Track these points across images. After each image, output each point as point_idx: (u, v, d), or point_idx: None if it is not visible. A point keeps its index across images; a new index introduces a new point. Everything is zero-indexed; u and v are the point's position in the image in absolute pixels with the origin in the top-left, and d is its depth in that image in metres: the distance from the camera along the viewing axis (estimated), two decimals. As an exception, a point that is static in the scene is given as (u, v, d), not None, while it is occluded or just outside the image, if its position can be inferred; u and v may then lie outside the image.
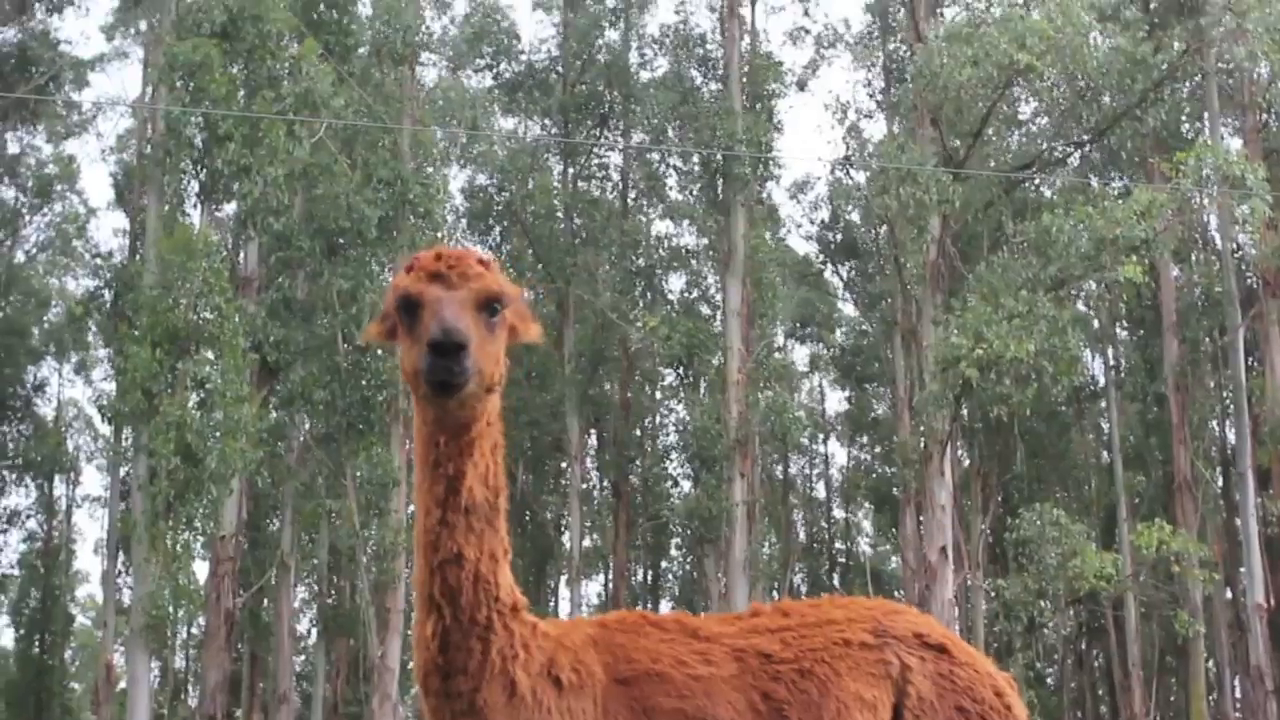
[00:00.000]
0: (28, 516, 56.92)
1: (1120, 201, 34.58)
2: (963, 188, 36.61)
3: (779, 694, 5.76)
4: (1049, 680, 54.33)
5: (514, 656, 5.45)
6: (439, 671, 5.40)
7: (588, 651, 5.69)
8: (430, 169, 39.55)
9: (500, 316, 5.28)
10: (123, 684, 42.53)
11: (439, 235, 38.02)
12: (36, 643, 55.87)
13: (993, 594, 41.76)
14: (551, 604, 54.43)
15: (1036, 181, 42.91)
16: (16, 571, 56.94)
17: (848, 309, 55.77)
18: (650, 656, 5.74)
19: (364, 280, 35.37)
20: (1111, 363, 50.73)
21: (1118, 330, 51.25)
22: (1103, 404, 50.32)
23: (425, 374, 5.02)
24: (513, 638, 5.46)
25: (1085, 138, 41.32)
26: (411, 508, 47.47)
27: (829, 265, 54.24)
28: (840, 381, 57.40)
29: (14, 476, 55.28)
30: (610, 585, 51.20)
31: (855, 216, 49.57)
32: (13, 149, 50.90)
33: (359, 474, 35.89)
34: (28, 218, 51.92)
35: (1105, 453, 50.89)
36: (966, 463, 48.20)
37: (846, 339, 55.42)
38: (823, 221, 52.42)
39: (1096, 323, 48.24)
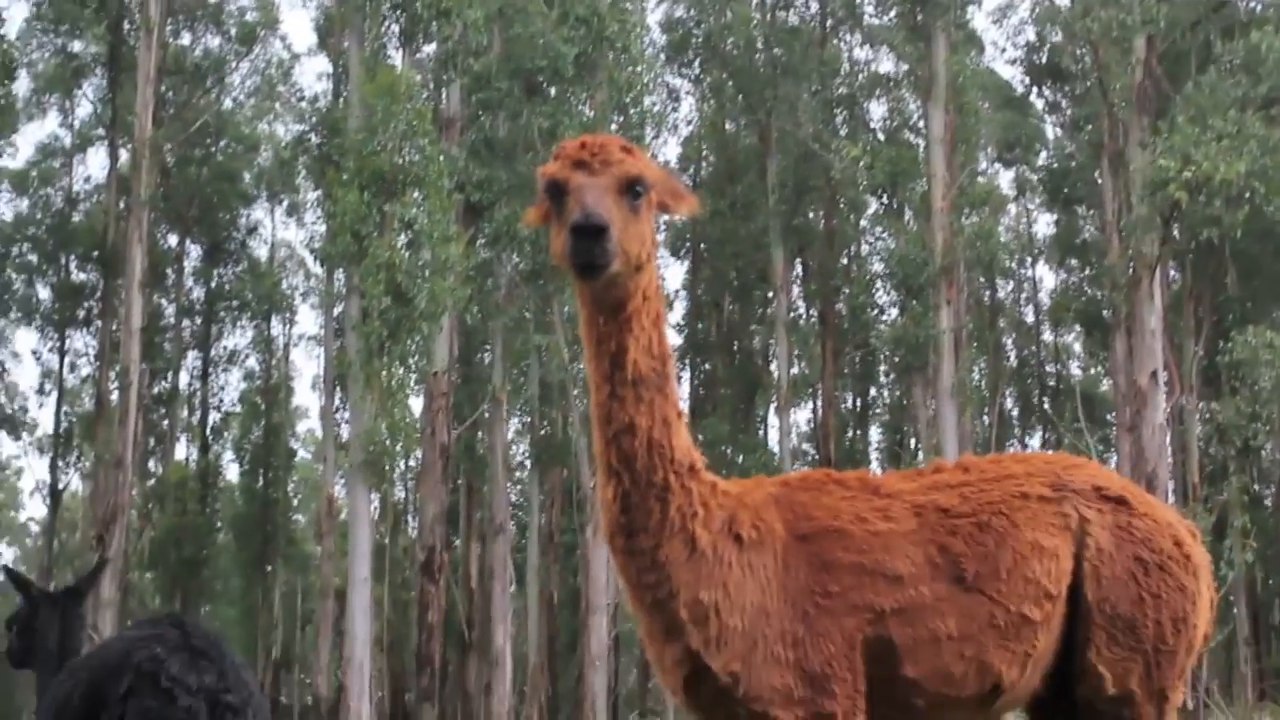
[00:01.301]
0: (246, 356, 58.34)
1: (1335, 15, 33.64)
2: (1168, 7, 35.78)
3: (956, 547, 5.90)
4: (1266, 503, 53.65)
5: (693, 514, 5.66)
6: (623, 531, 5.66)
7: (768, 509, 5.87)
8: (628, 4, 39.45)
9: (644, 199, 5.49)
10: (343, 516, 43.72)
11: (637, 70, 37.99)
12: (260, 477, 57.33)
13: (1206, 417, 41.23)
14: (761, 432, 54.77)
15: (1246, -2, 41.76)
16: (238, 409, 58.44)
17: (1053, 132, 54.80)
18: (830, 513, 5.90)
19: (563, 119, 35.47)
20: (1330, 179, 49.42)
21: (1336, 145, 49.79)
22: (1321, 221, 49.11)
23: (570, 256, 5.26)
24: (691, 496, 5.67)
25: (1299, -50, 40.09)
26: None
27: (1033, 89, 53.28)
28: (1048, 204, 56.53)
29: (231, 317, 56.62)
30: (819, 413, 51.40)
31: (1059, 38, 48.50)
32: (217, -2, 51.73)
33: (566, 309, 36.27)
34: (233, 64, 52.64)
35: (1323, 271, 49.70)
36: (1178, 285, 47.44)
37: (1052, 162, 54.47)
38: (1027, 44, 51.44)
39: (1313, 139, 46.93)
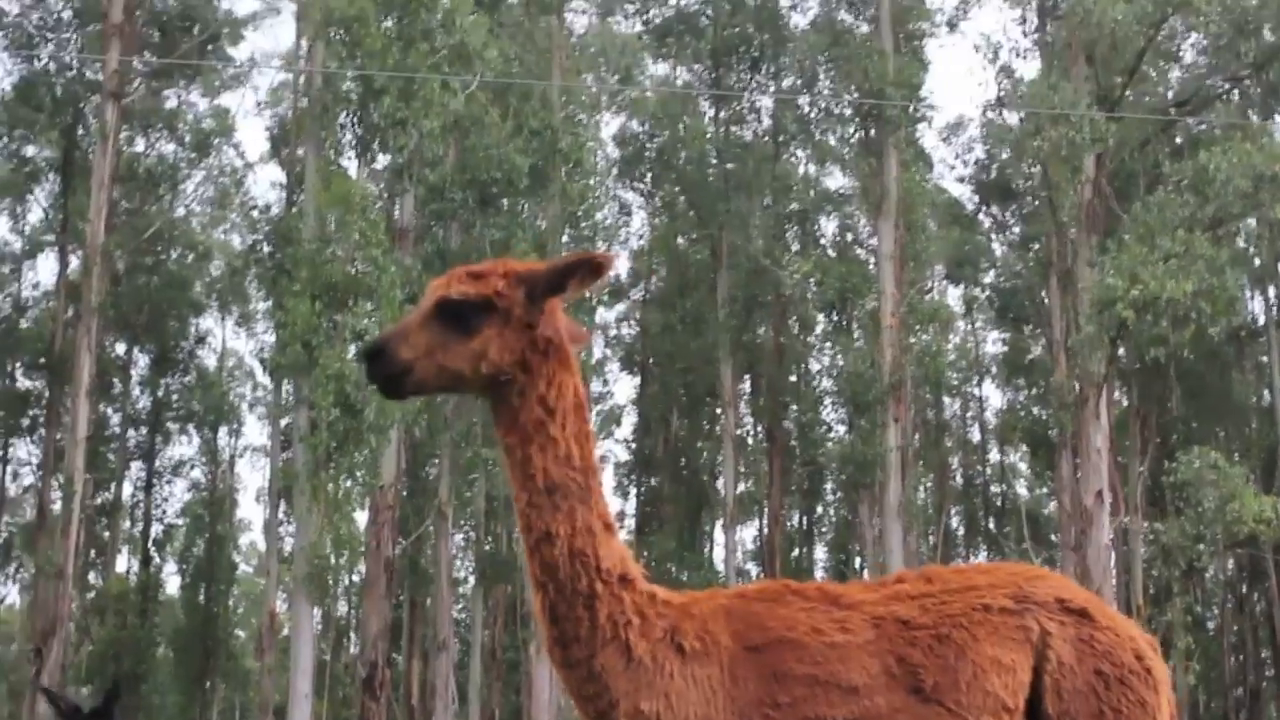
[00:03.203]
0: (192, 466, 57.94)
1: (1280, 137, 34.10)
2: (1118, 126, 36.19)
3: (914, 658, 5.85)
4: (1209, 625, 53.76)
5: (626, 623, 5.68)
6: (557, 643, 5.71)
7: (716, 620, 5.83)
8: (581, 116, 39.67)
9: (478, 320, 5.73)
10: (285, 631, 43.29)
11: (590, 183, 38.23)
12: (201, 591, 56.83)
13: (1150, 538, 41.31)
14: (706, 549, 54.64)
15: (1194, 119, 42.26)
16: (181, 521, 57.96)
17: (1000, 250, 55.20)
18: (785, 624, 5.85)
19: (516, 230, 35.62)
20: (1273, 301, 49.86)
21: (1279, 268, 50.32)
22: (1263, 343, 49.49)
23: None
24: (622, 604, 5.69)
25: (1244, 73, 40.61)
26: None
27: (982, 207, 53.71)
28: (995, 322, 56.87)
29: (178, 427, 56.25)
30: (765, 531, 51.33)
31: (1008, 156, 48.96)
32: (171, 104, 51.71)
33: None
34: (187, 172, 52.56)
35: (1266, 393, 50.08)
36: (1124, 404, 47.68)
37: (1001, 280, 54.88)
38: (976, 162, 51.92)
39: (1257, 261, 47.37)
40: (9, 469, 52.51)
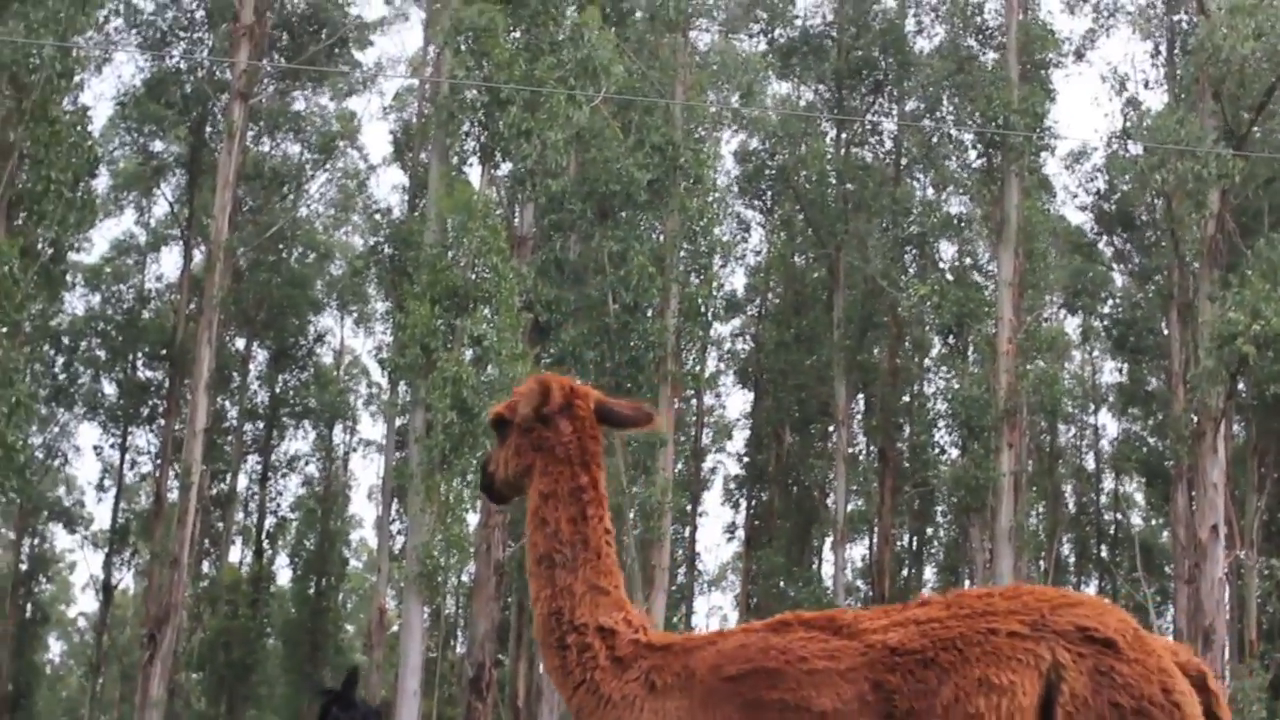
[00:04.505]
0: (306, 461, 58.49)
1: None
2: (1244, 163, 35.88)
3: (891, 683, 5.93)
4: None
5: (596, 667, 6.39)
6: (559, 690, 6.55)
7: (696, 656, 6.30)
8: (702, 131, 39.78)
9: (505, 431, 6.93)
10: (395, 628, 43.61)
11: (709, 199, 38.34)
12: (312, 584, 57.33)
13: (1266, 573, 40.88)
14: (815, 566, 54.54)
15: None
16: (294, 515, 58.47)
17: (1120, 280, 54.73)
18: (769, 654, 6.16)
19: (634, 243, 35.82)
20: (1398, 341, 49.10)
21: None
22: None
23: None
24: (592, 650, 6.41)
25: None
26: (679, 465, 47.96)
27: (1103, 236, 53.27)
28: (1112, 352, 56.40)
29: (294, 422, 56.82)
30: (874, 550, 51.15)
31: (1131, 187, 48.50)
32: (298, 105, 52.34)
33: (627, 433, 36.20)
34: (310, 173, 53.13)
35: (1390, 433, 49.30)
36: (1242, 439, 47.18)
37: (1119, 311, 54.40)
38: (1098, 192, 51.49)
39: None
40: (128, 457, 53.24)
